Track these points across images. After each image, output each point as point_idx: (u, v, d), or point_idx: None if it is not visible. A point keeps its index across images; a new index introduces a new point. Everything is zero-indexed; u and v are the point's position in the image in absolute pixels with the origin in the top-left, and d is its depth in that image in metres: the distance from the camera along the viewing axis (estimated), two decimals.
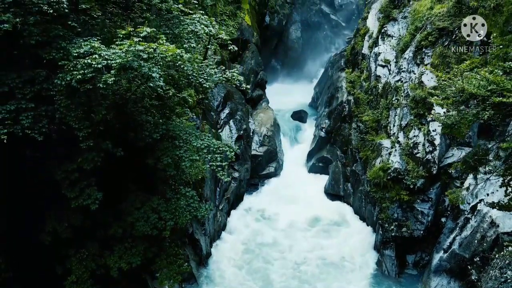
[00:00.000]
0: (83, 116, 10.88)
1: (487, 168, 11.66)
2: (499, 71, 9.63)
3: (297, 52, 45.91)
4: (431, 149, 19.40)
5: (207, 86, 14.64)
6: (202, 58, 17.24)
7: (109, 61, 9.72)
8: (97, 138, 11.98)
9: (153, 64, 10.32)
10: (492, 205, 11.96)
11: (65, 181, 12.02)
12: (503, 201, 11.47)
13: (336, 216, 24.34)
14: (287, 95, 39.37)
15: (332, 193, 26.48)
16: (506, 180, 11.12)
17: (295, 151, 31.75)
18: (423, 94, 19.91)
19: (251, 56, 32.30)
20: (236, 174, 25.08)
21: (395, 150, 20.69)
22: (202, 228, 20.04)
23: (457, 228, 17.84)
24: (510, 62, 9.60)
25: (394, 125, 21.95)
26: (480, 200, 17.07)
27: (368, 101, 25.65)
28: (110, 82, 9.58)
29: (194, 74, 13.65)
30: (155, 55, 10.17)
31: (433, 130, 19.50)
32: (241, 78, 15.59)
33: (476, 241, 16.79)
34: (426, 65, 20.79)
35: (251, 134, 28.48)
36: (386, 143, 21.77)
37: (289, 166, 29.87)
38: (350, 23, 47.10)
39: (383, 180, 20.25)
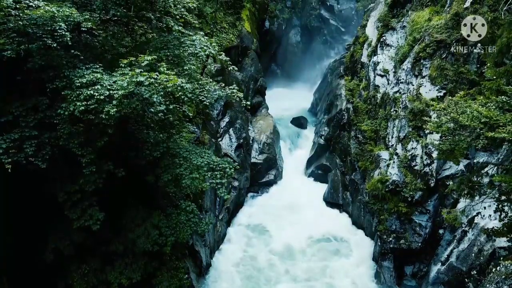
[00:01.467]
0: (86, 142, 11.04)
1: (482, 191, 11.84)
2: (492, 104, 9.81)
3: (296, 57, 46.15)
4: (429, 161, 19.54)
5: (207, 103, 14.87)
6: (200, 73, 17.40)
7: (111, 91, 9.87)
8: (99, 158, 12.16)
9: (153, 92, 10.47)
10: (487, 231, 12.17)
11: (67, 202, 12.20)
12: (497, 227, 11.68)
13: (335, 228, 24.15)
14: (286, 99, 39.53)
15: (331, 202, 26.53)
16: (500, 206, 11.34)
17: (295, 158, 31.84)
18: (421, 107, 20.08)
19: (251, 63, 32.42)
20: (235, 183, 25.17)
21: (393, 162, 20.84)
22: (202, 240, 20.14)
23: (455, 240, 18.00)
24: (503, 96, 9.79)
25: (392, 137, 22.09)
26: (477, 213, 17.21)
27: (367, 110, 25.77)
28: (112, 113, 9.74)
29: (195, 92, 13.83)
30: (156, 85, 10.32)
31: (431, 143, 19.62)
32: (241, 94, 15.71)
33: (473, 254, 16.96)
34: (424, 77, 20.97)
35: (250, 142, 28.54)
36: (385, 154, 21.92)
37: (289, 173, 29.94)
38: (350, 29, 47.29)
39: (381, 192, 20.42)
